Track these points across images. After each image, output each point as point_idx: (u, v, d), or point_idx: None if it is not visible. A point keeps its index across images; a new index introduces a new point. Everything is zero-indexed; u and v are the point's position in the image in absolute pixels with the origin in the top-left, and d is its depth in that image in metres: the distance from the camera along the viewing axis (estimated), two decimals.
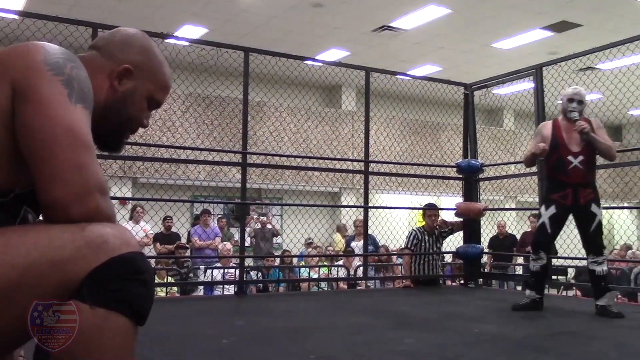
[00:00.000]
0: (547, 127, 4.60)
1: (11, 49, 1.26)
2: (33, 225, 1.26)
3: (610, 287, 4.41)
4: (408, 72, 10.07)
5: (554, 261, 6.44)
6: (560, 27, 10.76)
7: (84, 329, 1.09)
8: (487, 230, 8.50)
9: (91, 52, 1.44)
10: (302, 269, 8.52)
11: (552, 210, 4.44)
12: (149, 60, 1.47)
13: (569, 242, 7.16)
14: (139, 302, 1.16)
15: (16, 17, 5.37)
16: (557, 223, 4.48)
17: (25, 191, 1.24)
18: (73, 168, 1.15)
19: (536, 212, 7.70)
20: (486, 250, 8.74)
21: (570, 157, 4.40)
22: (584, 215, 4.39)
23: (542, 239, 4.51)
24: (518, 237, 9.80)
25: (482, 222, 6.92)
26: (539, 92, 6.08)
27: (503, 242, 8.97)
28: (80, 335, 1.09)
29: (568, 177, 4.41)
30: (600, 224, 4.36)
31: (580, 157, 4.39)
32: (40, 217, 1.27)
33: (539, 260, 4.48)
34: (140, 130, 1.56)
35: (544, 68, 6.14)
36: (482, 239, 7.03)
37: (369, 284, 7.51)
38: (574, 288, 7.27)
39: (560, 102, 4.59)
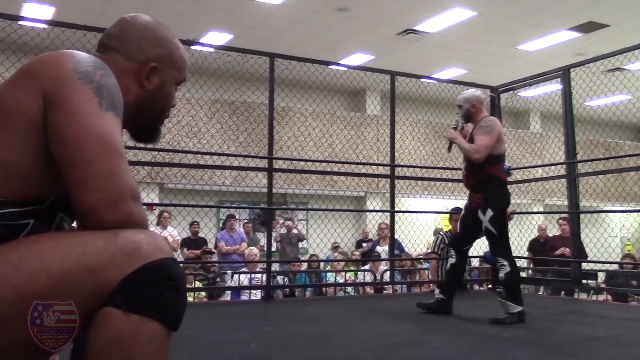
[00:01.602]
0: None
1: (41, 58, 1.26)
2: (67, 232, 1.27)
3: (507, 296, 4.12)
4: (433, 76, 10.03)
5: (584, 265, 6.34)
6: (587, 27, 10.62)
7: (118, 335, 1.10)
8: (520, 234, 8.35)
9: (110, 54, 1.42)
10: (329, 274, 8.51)
11: (462, 212, 4.59)
12: (166, 49, 1.48)
13: (599, 245, 7.07)
14: (173, 308, 1.16)
15: (46, 26, 5.46)
16: (464, 224, 4.52)
17: (60, 198, 1.26)
18: (105, 175, 1.16)
19: (565, 215, 7.64)
20: (526, 254, 8.65)
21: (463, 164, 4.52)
22: (476, 220, 4.30)
23: (453, 239, 4.92)
24: None
25: (510, 226, 6.84)
26: (567, 93, 6.01)
27: (543, 246, 8.79)
28: (115, 341, 1.10)
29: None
30: (487, 229, 4.19)
31: (465, 163, 4.47)
32: (74, 224, 1.29)
33: (449, 259, 4.59)
34: (167, 136, 1.58)
35: (571, 69, 6.07)
36: (518, 243, 6.93)
37: (395, 288, 7.48)
38: (605, 292, 7.14)
39: None
